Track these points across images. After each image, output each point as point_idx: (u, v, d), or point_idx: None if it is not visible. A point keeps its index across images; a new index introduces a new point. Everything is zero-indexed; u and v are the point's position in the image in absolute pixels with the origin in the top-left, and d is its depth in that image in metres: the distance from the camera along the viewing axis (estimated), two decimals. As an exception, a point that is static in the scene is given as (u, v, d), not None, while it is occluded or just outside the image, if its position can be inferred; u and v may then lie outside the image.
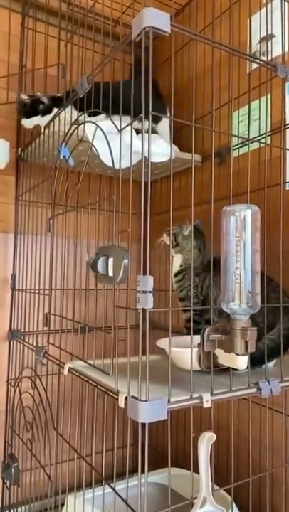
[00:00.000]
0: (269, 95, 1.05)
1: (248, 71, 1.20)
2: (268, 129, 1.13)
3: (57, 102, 1.23)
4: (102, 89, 0.88)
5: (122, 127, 0.76)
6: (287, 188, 1.09)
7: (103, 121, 0.87)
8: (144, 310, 0.63)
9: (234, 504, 0.97)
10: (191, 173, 0.78)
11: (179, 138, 1.29)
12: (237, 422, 1.04)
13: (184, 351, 0.80)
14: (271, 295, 0.89)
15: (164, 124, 1.29)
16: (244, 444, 0.93)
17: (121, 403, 0.68)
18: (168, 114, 1.27)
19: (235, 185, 0.77)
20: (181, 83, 1.41)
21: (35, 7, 1.39)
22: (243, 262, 0.71)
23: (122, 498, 0.73)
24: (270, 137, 1.14)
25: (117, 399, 0.69)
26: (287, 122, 1.12)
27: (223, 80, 0.97)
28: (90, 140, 0.93)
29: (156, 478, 1.21)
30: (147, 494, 0.68)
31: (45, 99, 1.24)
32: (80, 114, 1.01)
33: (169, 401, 0.65)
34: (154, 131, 1.28)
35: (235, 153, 1.25)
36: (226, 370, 0.74)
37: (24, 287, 1.34)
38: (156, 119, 1.25)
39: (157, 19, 0.65)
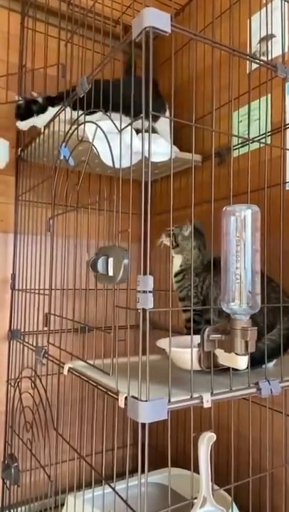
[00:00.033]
0: (269, 95, 1.05)
1: (248, 71, 1.20)
2: (268, 129, 1.13)
3: (52, 101, 1.23)
4: (102, 87, 0.88)
5: (122, 127, 0.76)
6: (287, 188, 1.09)
7: (103, 121, 0.87)
8: (144, 310, 0.63)
9: (234, 504, 0.97)
10: (192, 173, 0.78)
11: (179, 138, 1.29)
12: (237, 422, 1.04)
13: (184, 351, 0.80)
14: (271, 295, 0.89)
15: (164, 123, 1.29)
16: (244, 444, 0.93)
17: (121, 403, 0.68)
18: (167, 112, 1.27)
19: (235, 185, 0.77)
20: (181, 83, 1.41)
21: (35, 7, 1.39)
22: (243, 262, 0.71)
23: (122, 498, 0.73)
24: (270, 137, 1.14)
25: (117, 399, 0.69)
26: (287, 122, 1.12)
27: (223, 80, 0.96)
28: (90, 140, 0.93)
29: (157, 478, 1.21)
30: (147, 494, 0.68)
31: (39, 99, 1.24)
32: (76, 112, 1.00)
33: (169, 401, 0.65)
34: (153, 131, 1.28)
35: (235, 153, 1.25)
36: (226, 370, 0.74)
37: (24, 287, 1.34)
38: (154, 117, 1.26)
39: (157, 19, 0.65)
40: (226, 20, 1.24)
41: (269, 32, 1.16)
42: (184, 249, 1.10)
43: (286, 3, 1.11)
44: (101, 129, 0.84)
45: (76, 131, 0.98)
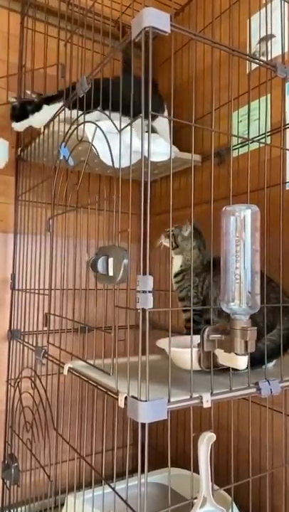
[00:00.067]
0: (269, 95, 1.05)
1: (247, 71, 1.20)
2: (268, 129, 1.13)
3: (47, 100, 1.22)
4: (101, 86, 0.88)
5: (121, 127, 0.76)
6: (287, 188, 1.09)
7: (103, 121, 0.87)
8: (143, 310, 0.63)
9: (234, 504, 0.97)
10: (191, 173, 0.78)
11: (178, 138, 1.29)
12: (237, 422, 1.04)
13: (184, 351, 0.80)
14: (271, 295, 0.89)
15: (163, 123, 1.29)
16: (244, 444, 0.93)
17: (121, 403, 0.68)
18: (166, 112, 1.27)
19: (235, 185, 0.77)
20: (181, 83, 1.41)
21: (35, 7, 1.39)
22: (243, 262, 0.71)
23: (121, 498, 0.73)
24: (269, 137, 1.14)
25: (117, 399, 0.69)
26: (286, 122, 1.12)
27: (222, 80, 0.96)
28: (90, 140, 0.93)
29: (156, 478, 1.21)
30: (147, 494, 0.68)
31: (34, 97, 1.23)
32: (76, 112, 1.00)
33: (168, 401, 0.65)
34: (153, 130, 1.28)
35: (235, 153, 1.25)
36: (226, 370, 0.74)
37: (24, 287, 1.34)
38: (153, 117, 1.26)
39: (157, 19, 0.65)
40: (226, 21, 1.24)
41: (269, 32, 1.16)
42: (183, 250, 1.10)
43: (286, 3, 1.11)
44: (100, 128, 0.84)
45: (76, 131, 0.98)
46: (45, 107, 1.23)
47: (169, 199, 0.69)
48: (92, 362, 0.86)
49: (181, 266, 1.11)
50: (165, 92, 1.28)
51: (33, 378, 1.19)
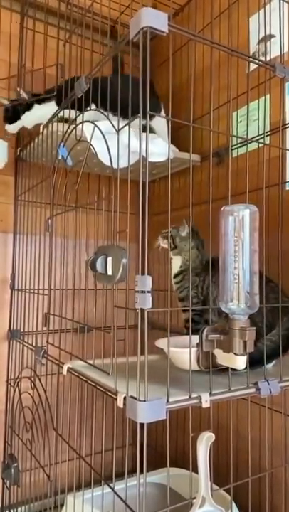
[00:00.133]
0: (268, 95, 1.05)
1: (246, 71, 1.20)
2: (267, 129, 1.13)
3: (38, 100, 1.22)
4: (100, 85, 0.88)
5: (119, 127, 0.76)
6: (286, 188, 1.09)
7: (101, 121, 0.87)
8: (142, 310, 0.63)
9: (233, 504, 0.97)
10: (190, 173, 0.78)
11: (177, 137, 1.29)
12: (236, 421, 1.04)
13: (183, 351, 0.80)
14: (270, 295, 0.88)
15: (160, 122, 1.29)
16: (243, 443, 0.93)
17: (120, 403, 0.68)
18: (162, 111, 1.27)
19: (233, 185, 0.77)
20: (180, 83, 1.41)
21: (35, 7, 1.39)
22: (242, 262, 0.71)
23: (121, 498, 0.73)
24: (268, 137, 1.14)
25: (116, 399, 0.69)
26: (286, 122, 1.12)
27: (222, 80, 0.97)
28: (88, 140, 0.93)
29: (156, 478, 1.21)
30: (146, 494, 0.68)
31: (25, 95, 1.23)
32: (74, 112, 1.00)
33: (167, 401, 0.65)
34: (150, 130, 1.28)
35: (234, 154, 1.25)
36: (225, 370, 0.74)
37: (23, 287, 1.34)
38: (150, 116, 1.26)
39: (155, 19, 0.65)
40: (225, 21, 1.24)
41: (268, 32, 1.16)
42: (182, 250, 1.09)
43: (285, 3, 1.10)
44: (99, 128, 0.84)
45: (74, 131, 0.98)
46: (36, 106, 1.23)
47: (167, 199, 0.69)
48: (91, 362, 0.87)
49: (180, 266, 1.11)
50: (164, 92, 1.28)
51: (32, 378, 1.19)
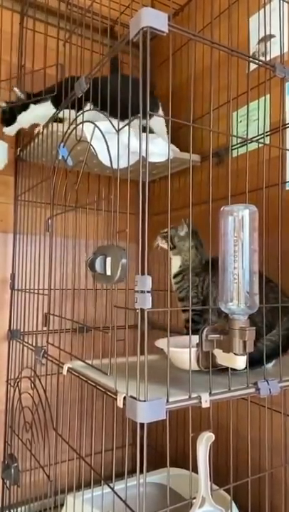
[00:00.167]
0: (268, 95, 1.05)
1: (246, 71, 1.20)
2: (267, 129, 1.13)
3: (35, 100, 1.23)
4: (97, 85, 0.88)
5: (119, 127, 0.76)
6: (286, 188, 1.09)
7: (101, 121, 0.87)
8: (142, 310, 0.63)
9: (233, 504, 0.97)
10: (190, 173, 0.78)
11: (177, 137, 1.29)
12: (236, 421, 1.04)
13: (183, 351, 0.80)
14: (270, 295, 0.88)
15: (159, 122, 1.29)
16: (243, 443, 0.93)
17: (119, 403, 0.68)
18: (160, 110, 1.27)
19: (233, 185, 0.77)
20: (180, 83, 1.41)
21: (34, 7, 1.39)
22: (241, 262, 0.71)
23: (120, 498, 0.73)
24: (268, 137, 1.14)
25: (116, 399, 0.69)
26: (285, 122, 1.12)
27: (222, 80, 0.97)
28: (88, 140, 0.93)
29: (156, 478, 1.21)
30: (146, 494, 0.68)
31: (22, 95, 1.23)
32: (74, 112, 1.00)
33: (167, 401, 0.65)
34: (149, 130, 1.28)
35: (234, 154, 1.25)
36: (225, 370, 0.74)
37: (23, 287, 1.34)
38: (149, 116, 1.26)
39: (155, 19, 0.65)
40: (225, 21, 1.24)
41: (268, 32, 1.16)
42: (181, 250, 1.09)
43: (285, 3, 1.10)
44: (99, 128, 0.84)
45: (74, 131, 0.98)
46: (32, 106, 1.23)
47: (167, 199, 0.69)
48: (91, 362, 0.87)
49: (180, 266, 1.11)
50: (164, 92, 1.28)
51: (32, 378, 1.19)
